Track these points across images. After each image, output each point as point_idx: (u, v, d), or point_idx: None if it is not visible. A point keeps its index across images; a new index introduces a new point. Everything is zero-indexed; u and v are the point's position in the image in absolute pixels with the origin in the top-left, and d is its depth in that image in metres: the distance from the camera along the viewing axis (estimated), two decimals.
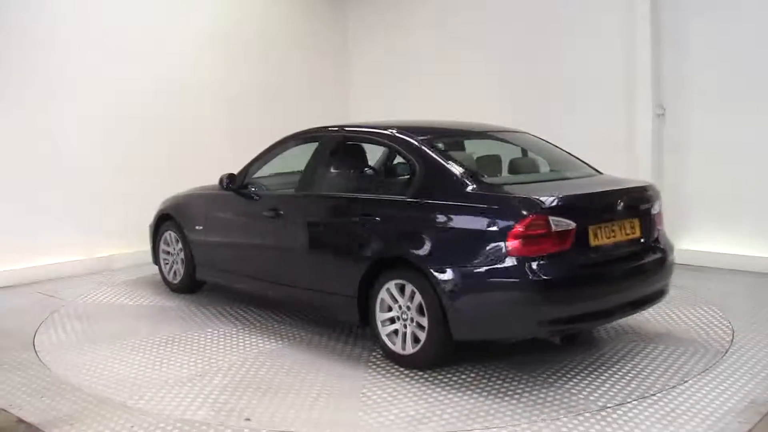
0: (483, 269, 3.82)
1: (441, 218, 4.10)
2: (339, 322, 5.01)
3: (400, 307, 4.16)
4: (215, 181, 5.75)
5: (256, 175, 5.60)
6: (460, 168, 4.23)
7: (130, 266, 7.43)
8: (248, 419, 3.53)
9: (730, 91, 6.76)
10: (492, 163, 4.77)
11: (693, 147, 7.08)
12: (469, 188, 4.06)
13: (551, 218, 3.75)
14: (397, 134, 4.65)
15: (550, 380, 3.95)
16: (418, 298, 4.04)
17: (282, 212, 5.02)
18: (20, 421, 3.54)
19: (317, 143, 5.11)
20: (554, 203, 3.85)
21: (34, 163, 6.90)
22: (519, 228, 3.72)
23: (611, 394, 3.74)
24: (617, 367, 4.14)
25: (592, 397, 3.69)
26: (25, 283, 6.65)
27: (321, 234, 4.84)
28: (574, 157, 5.02)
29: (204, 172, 8.23)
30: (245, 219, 5.46)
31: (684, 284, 6.17)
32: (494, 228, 3.81)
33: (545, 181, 4.60)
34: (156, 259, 6.50)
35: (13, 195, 6.74)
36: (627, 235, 4.16)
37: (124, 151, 7.61)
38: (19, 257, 6.78)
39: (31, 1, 6.85)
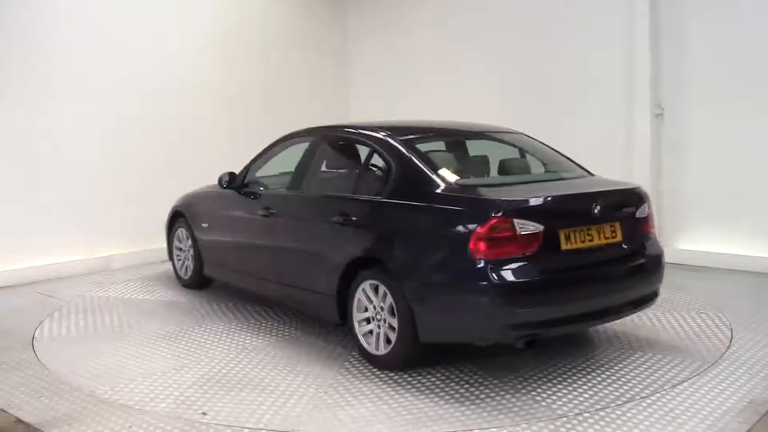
0: (448, 271, 3.80)
1: (409, 219, 4.11)
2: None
3: (374, 307, 4.17)
4: (211, 181, 5.83)
5: (257, 174, 5.66)
6: (433, 169, 4.16)
7: (129, 266, 7.45)
8: (204, 413, 3.59)
9: (729, 90, 6.75)
10: (477, 164, 4.76)
11: (692, 147, 7.08)
12: (439, 189, 4.01)
13: (516, 221, 3.66)
14: (378, 134, 4.60)
15: (546, 381, 3.95)
16: (389, 299, 4.04)
17: (273, 211, 5.10)
18: (19, 421, 3.54)
19: (308, 143, 5.20)
20: (520, 206, 3.79)
21: (34, 163, 6.90)
22: (482, 230, 3.64)
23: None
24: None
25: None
26: (24, 283, 6.65)
27: (306, 233, 4.88)
28: (567, 158, 4.94)
29: (204, 172, 8.24)
30: (244, 217, 5.51)
31: (683, 284, 6.18)
32: (459, 230, 3.75)
33: (528, 183, 4.49)
34: (170, 256, 6.70)
35: (13, 195, 6.74)
36: (606, 239, 4.02)
37: (124, 151, 7.62)
38: (19, 257, 6.78)
39: (31, 1, 6.85)
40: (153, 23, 7.87)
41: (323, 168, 5.08)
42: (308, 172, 5.05)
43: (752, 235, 6.69)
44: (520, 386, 3.86)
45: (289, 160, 5.54)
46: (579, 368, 4.13)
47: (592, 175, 4.76)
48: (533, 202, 3.92)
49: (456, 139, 5.11)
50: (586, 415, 3.47)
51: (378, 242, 4.19)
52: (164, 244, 7.01)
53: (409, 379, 4.00)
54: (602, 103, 7.65)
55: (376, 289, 4.15)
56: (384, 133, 4.58)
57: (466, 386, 3.87)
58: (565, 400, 3.67)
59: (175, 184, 8.05)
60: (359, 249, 4.26)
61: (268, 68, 9.11)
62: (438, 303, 3.87)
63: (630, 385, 3.85)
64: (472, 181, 4.34)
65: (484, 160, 4.85)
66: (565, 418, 3.43)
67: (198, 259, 6.14)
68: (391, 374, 4.07)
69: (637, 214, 4.24)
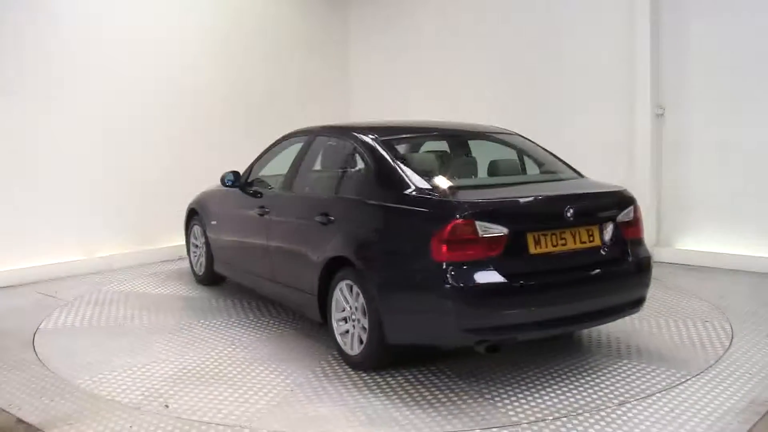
0: (411, 273, 3.78)
1: (378, 220, 4.12)
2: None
3: (350, 307, 4.18)
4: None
5: (261, 173, 5.71)
6: (406, 170, 4.12)
7: (130, 266, 7.45)
8: (167, 406, 3.68)
9: (730, 90, 6.76)
10: (460, 165, 4.73)
11: (693, 147, 7.08)
12: (408, 191, 3.97)
13: (478, 223, 3.60)
14: (360, 135, 4.58)
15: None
16: (361, 299, 4.04)
17: (267, 210, 5.17)
18: (20, 421, 3.53)
19: (301, 143, 5.27)
20: (482, 208, 3.72)
21: (34, 163, 6.89)
22: (443, 232, 3.58)
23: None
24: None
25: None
26: (25, 283, 6.65)
27: (293, 232, 4.92)
28: (559, 159, 4.84)
29: (205, 172, 8.25)
30: (244, 216, 5.56)
31: (684, 284, 6.19)
32: (422, 231, 3.71)
33: (506, 185, 4.40)
34: (188, 252, 6.88)
35: (13, 195, 6.74)
36: (583, 243, 3.91)
37: (124, 151, 7.61)
38: (19, 257, 6.78)
39: (31, 2, 6.85)
40: (153, 23, 7.87)
41: (311, 168, 5.13)
42: (299, 171, 5.11)
43: (753, 235, 6.69)
44: (485, 390, 3.81)
45: (287, 159, 5.58)
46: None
47: (582, 177, 4.64)
48: (498, 204, 3.86)
49: (444, 140, 5.10)
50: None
51: (350, 242, 4.18)
52: (165, 244, 7.03)
53: (379, 380, 3.99)
54: (603, 103, 7.65)
55: (351, 289, 4.16)
56: (366, 134, 4.56)
57: (433, 389, 3.84)
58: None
59: (175, 185, 8.08)
60: (335, 249, 4.27)
61: (268, 68, 9.11)
62: (402, 304, 3.85)
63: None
64: (444, 182, 4.15)
65: (468, 161, 4.83)
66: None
67: (209, 256, 6.29)
68: (363, 374, 4.08)
69: (619, 218, 4.10)
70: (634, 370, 4.08)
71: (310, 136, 5.20)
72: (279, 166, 5.73)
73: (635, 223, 4.22)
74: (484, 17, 8.66)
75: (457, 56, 8.95)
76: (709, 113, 6.93)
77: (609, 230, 4.05)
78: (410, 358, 4.18)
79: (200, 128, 8.34)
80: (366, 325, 4.00)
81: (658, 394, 3.69)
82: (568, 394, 3.74)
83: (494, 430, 3.36)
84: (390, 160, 4.24)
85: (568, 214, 3.83)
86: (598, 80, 7.68)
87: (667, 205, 7.34)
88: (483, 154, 4.95)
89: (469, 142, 5.12)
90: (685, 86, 7.07)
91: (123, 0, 7.61)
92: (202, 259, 6.46)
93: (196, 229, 6.58)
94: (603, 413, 3.48)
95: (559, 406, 3.60)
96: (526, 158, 4.88)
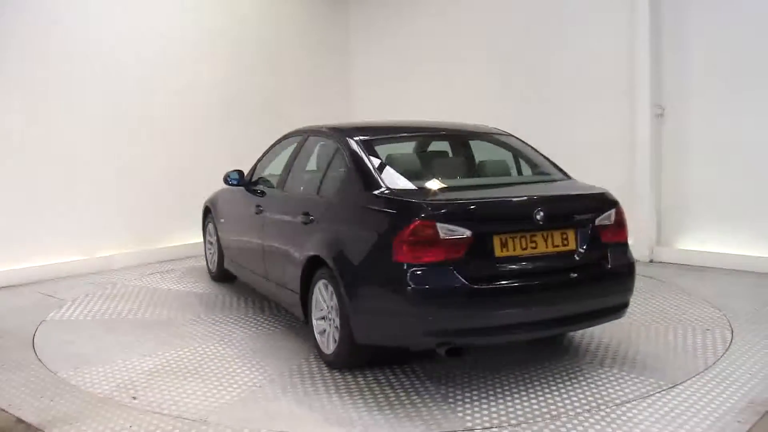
0: (375, 274, 3.76)
1: (349, 219, 4.13)
2: None
3: (327, 306, 4.18)
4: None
5: (265, 172, 5.75)
6: (379, 171, 4.11)
7: (130, 266, 7.46)
8: (134, 398, 3.79)
9: (730, 90, 6.76)
10: (442, 166, 4.70)
11: (693, 147, 7.08)
12: (378, 191, 3.96)
13: (440, 225, 3.55)
14: (342, 135, 4.58)
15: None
16: (335, 298, 4.05)
17: (262, 208, 5.25)
18: (19, 421, 3.53)
19: (295, 143, 5.32)
20: (444, 210, 3.67)
21: (34, 163, 6.90)
22: (404, 233, 3.56)
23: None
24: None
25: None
26: (25, 283, 6.66)
27: (282, 230, 4.96)
28: (548, 160, 4.76)
29: (205, 172, 8.28)
30: (246, 214, 5.64)
31: (684, 284, 6.19)
32: (386, 232, 3.70)
33: (481, 187, 4.36)
34: (204, 249, 7.04)
35: (14, 195, 6.74)
36: (556, 247, 3.82)
37: (124, 151, 7.62)
38: (19, 257, 6.78)
39: (33, 3, 6.86)
40: (153, 24, 7.88)
41: (303, 167, 5.16)
42: (290, 171, 5.16)
43: (753, 235, 6.69)
44: (450, 393, 3.78)
45: (286, 158, 5.61)
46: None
47: (569, 178, 4.55)
48: (460, 206, 3.80)
49: (430, 140, 5.08)
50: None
51: (325, 242, 4.19)
52: (165, 244, 7.04)
53: (349, 379, 4.00)
54: (603, 103, 7.65)
55: (327, 288, 4.17)
56: (347, 134, 4.55)
57: (399, 391, 3.82)
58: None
59: (175, 184, 8.10)
60: (313, 248, 4.28)
61: (268, 68, 9.12)
62: (367, 305, 3.84)
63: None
64: (415, 183, 4.09)
65: (450, 162, 4.80)
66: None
67: (220, 253, 6.40)
68: (336, 373, 4.10)
69: (598, 222, 3.97)
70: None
71: (303, 135, 5.25)
72: (280, 165, 5.78)
73: (617, 227, 4.08)
74: (484, 17, 8.66)
75: (457, 56, 8.95)
76: (709, 113, 6.93)
77: (586, 234, 3.92)
78: (390, 358, 4.18)
79: (200, 128, 8.34)
80: (339, 325, 4.01)
81: (657, 394, 3.69)
82: (547, 397, 3.74)
83: (542, 424, 3.37)
84: (365, 160, 4.22)
85: (538, 217, 3.75)
86: (598, 80, 7.68)
87: (667, 205, 7.34)
88: (469, 154, 4.93)
89: (456, 142, 5.09)
90: (685, 86, 7.07)
91: (123, 1, 7.61)
92: (215, 257, 6.59)
93: (210, 227, 6.74)
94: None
95: (528, 410, 3.57)
96: (513, 159, 4.82)
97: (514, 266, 3.73)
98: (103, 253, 7.44)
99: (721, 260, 6.83)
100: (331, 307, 4.10)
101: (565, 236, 3.85)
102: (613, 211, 4.06)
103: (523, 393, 3.79)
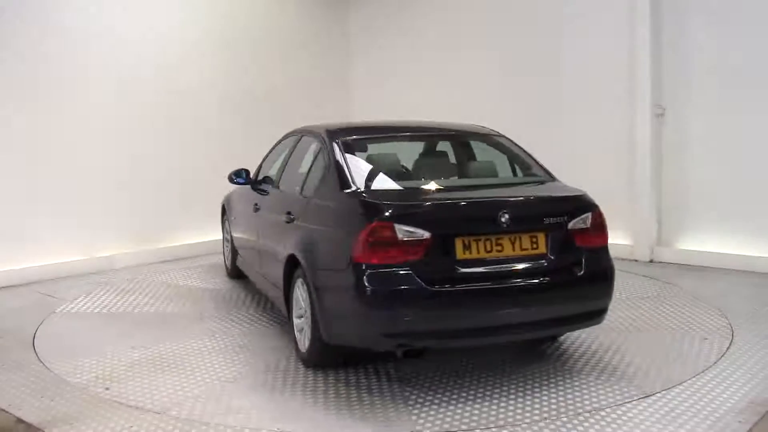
0: (336, 274, 3.75)
1: (321, 219, 4.14)
2: None
3: (304, 305, 4.19)
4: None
5: (271, 171, 5.78)
6: (353, 171, 4.09)
7: (130, 266, 7.45)
8: (107, 388, 3.92)
9: (730, 91, 6.76)
10: (422, 167, 4.67)
11: (693, 147, 7.08)
12: (348, 191, 3.94)
13: (398, 226, 3.51)
14: (324, 134, 4.56)
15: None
16: (308, 297, 4.08)
17: (258, 207, 5.34)
18: (20, 421, 3.53)
19: (291, 143, 5.37)
20: (403, 211, 3.63)
21: (34, 163, 6.90)
22: (363, 234, 3.54)
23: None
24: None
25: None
26: (25, 283, 6.66)
27: (271, 229, 5.00)
28: (534, 161, 4.64)
29: (205, 172, 8.28)
30: (247, 212, 5.72)
31: (684, 284, 6.19)
32: (347, 233, 3.68)
33: (455, 188, 4.32)
34: (223, 246, 7.15)
35: (14, 195, 6.74)
36: (524, 250, 3.74)
37: (125, 151, 7.62)
38: (19, 257, 6.78)
39: (35, 5, 6.85)
40: (154, 24, 7.88)
41: (295, 166, 5.18)
42: (284, 170, 5.22)
43: (753, 235, 6.69)
44: (413, 396, 3.75)
45: (283, 158, 5.65)
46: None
47: (553, 180, 4.43)
48: (420, 207, 3.77)
49: (414, 141, 5.06)
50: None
51: (300, 241, 4.22)
52: (166, 244, 7.04)
53: (319, 377, 4.03)
54: (603, 103, 7.66)
55: (303, 287, 4.18)
56: (330, 134, 4.54)
57: (363, 391, 3.81)
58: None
59: (176, 184, 8.09)
60: (291, 247, 4.31)
61: (268, 68, 9.12)
62: (330, 305, 3.84)
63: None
64: (384, 184, 4.09)
65: (432, 163, 4.78)
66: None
67: (234, 250, 6.48)
68: (309, 372, 4.13)
69: (573, 225, 3.86)
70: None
71: (298, 135, 5.28)
72: (279, 164, 5.80)
73: (594, 231, 3.95)
74: (484, 17, 8.66)
75: (457, 56, 8.95)
76: (709, 113, 6.93)
77: (559, 238, 3.82)
78: (369, 358, 4.20)
79: (200, 128, 8.34)
80: (311, 323, 4.03)
81: (658, 394, 3.69)
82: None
83: (542, 424, 3.37)
84: (340, 160, 4.20)
85: (503, 220, 3.67)
86: (599, 80, 7.68)
87: (667, 205, 7.34)
88: (454, 155, 4.91)
89: (443, 143, 5.07)
90: (685, 86, 7.07)
91: (124, 1, 7.61)
92: (230, 254, 6.72)
93: (226, 225, 6.86)
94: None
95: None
96: (498, 161, 4.77)
97: (476, 269, 3.66)
98: (103, 253, 7.44)
99: (721, 260, 6.83)
100: (308, 304, 4.11)
101: (534, 239, 3.77)
102: (589, 215, 3.95)
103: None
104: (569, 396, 3.73)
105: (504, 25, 8.48)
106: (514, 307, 3.71)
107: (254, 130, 8.54)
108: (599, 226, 4.00)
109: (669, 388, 3.77)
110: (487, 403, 3.63)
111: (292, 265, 4.32)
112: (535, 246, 3.76)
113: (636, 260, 7.37)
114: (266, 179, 5.66)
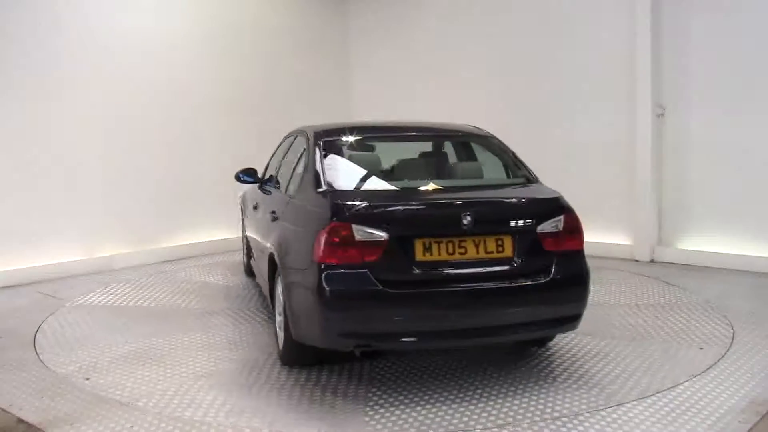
0: (300, 273, 3.77)
1: (294, 218, 4.17)
2: None
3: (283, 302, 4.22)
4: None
5: (272, 171, 5.81)
6: (327, 171, 4.10)
7: (130, 266, 7.46)
8: (87, 379, 4.06)
9: (731, 90, 6.76)
10: (401, 167, 4.68)
11: (693, 147, 7.08)
12: (320, 190, 3.96)
13: (355, 227, 3.51)
14: (310, 134, 4.58)
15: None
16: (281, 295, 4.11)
17: (257, 205, 5.44)
18: (20, 420, 3.53)
19: (289, 143, 5.41)
20: (361, 212, 3.61)
21: (34, 163, 6.91)
22: (322, 234, 3.55)
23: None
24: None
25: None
26: (25, 283, 6.67)
27: (263, 227, 5.04)
28: (519, 163, 4.54)
29: (204, 172, 8.28)
30: (252, 211, 5.80)
31: (684, 284, 6.19)
32: (311, 232, 3.69)
33: (423, 190, 4.19)
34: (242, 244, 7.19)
35: (14, 195, 6.75)
36: (489, 253, 3.67)
37: (124, 151, 7.63)
38: (19, 257, 6.79)
39: (33, 3, 6.86)
40: (153, 24, 7.89)
41: (285, 166, 5.22)
42: (279, 170, 5.27)
43: (754, 235, 6.70)
44: (375, 397, 3.74)
45: (281, 158, 5.67)
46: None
47: (534, 183, 4.33)
48: (379, 209, 3.72)
49: (397, 141, 5.05)
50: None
51: (277, 239, 4.27)
52: (166, 244, 7.02)
53: (292, 375, 4.07)
54: (603, 103, 7.66)
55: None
56: (316, 134, 4.55)
57: (327, 391, 3.82)
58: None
59: (175, 184, 8.09)
60: (271, 245, 4.37)
61: (268, 68, 9.13)
62: (295, 304, 3.86)
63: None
64: (353, 184, 4.10)
65: (411, 164, 4.77)
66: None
67: (248, 248, 6.53)
68: (284, 369, 4.17)
69: (542, 229, 3.77)
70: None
71: (294, 135, 5.31)
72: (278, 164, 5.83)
73: (567, 235, 3.84)
74: (483, 17, 8.67)
75: (457, 55, 8.96)
76: (709, 113, 6.93)
77: (527, 241, 3.74)
78: (347, 358, 4.21)
79: (201, 128, 8.35)
80: (284, 321, 4.09)
81: (658, 394, 3.68)
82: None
83: (542, 424, 3.36)
84: (317, 160, 4.20)
85: (465, 222, 3.61)
86: (599, 80, 7.69)
87: (667, 205, 7.34)
88: (436, 156, 4.88)
89: (427, 143, 5.05)
90: (685, 86, 7.08)
91: (125, 2, 7.62)
92: (246, 252, 6.81)
93: (243, 222, 6.91)
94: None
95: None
96: (481, 162, 4.75)
97: (437, 271, 3.63)
98: (103, 253, 7.44)
99: (721, 260, 6.83)
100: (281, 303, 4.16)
101: (500, 242, 3.70)
102: (561, 218, 3.84)
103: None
104: (532, 402, 3.65)
105: (504, 25, 8.48)
106: (477, 310, 3.66)
107: (254, 130, 8.55)
108: (573, 230, 3.88)
109: (669, 388, 3.76)
110: (455, 406, 3.59)
111: (273, 262, 4.37)
112: (500, 249, 3.70)
113: (636, 260, 7.37)
114: (270, 178, 5.68)
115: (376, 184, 4.18)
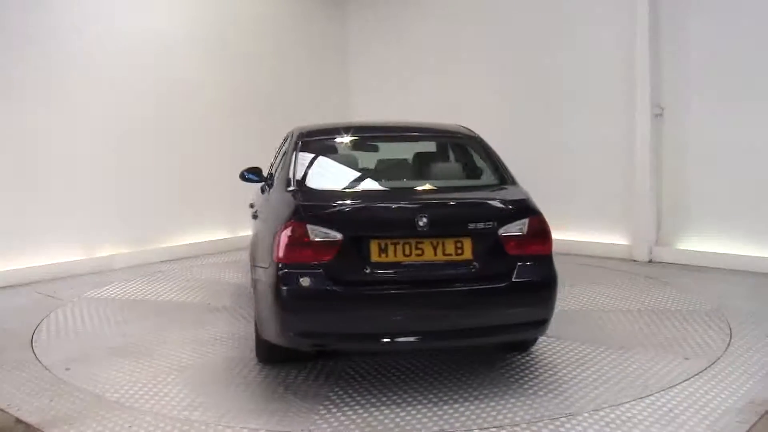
0: (264, 271, 3.80)
1: (265, 216, 4.22)
2: None
3: None
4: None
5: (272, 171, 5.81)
6: (297, 169, 4.14)
7: (130, 266, 7.46)
8: (68, 369, 4.22)
9: (729, 90, 6.77)
10: (388, 167, 4.68)
11: (692, 147, 7.09)
12: (289, 189, 4.02)
13: (310, 227, 3.53)
14: (296, 134, 4.62)
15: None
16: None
17: (252, 205, 5.48)
18: (19, 421, 3.53)
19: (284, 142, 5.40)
20: (316, 212, 3.67)
21: (34, 163, 6.91)
22: (280, 233, 3.58)
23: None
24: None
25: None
26: (25, 283, 6.66)
27: (252, 227, 5.11)
28: (499, 165, 4.42)
29: (204, 172, 8.28)
30: (251, 210, 5.79)
31: (684, 284, 6.19)
32: (273, 231, 3.73)
33: (388, 191, 4.24)
34: None
35: (13, 195, 6.75)
36: (447, 255, 3.61)
37: (124, 151, 7.63)
38: (19, 257, 6.79)
39: (33, 3, 6.85)
40: (153, 24, 7.90)
41: (277, 166, 5.21)
42: (273, 169, 5.27)
43: (752, 236, 6.70)
44: (339, 397, 3.74)
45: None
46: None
47: (512, 185, 4.21)
48: (334, 209, 3.78)
49: (380, 141, 5.03)
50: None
51: (253, 237, 4.33)
52: (166, 244, 7.03)
53: (267, 372, 4.10)
54: (603, 103, 7.66)
55: None
56: (300, 134, 4.59)
57: (298, 390, 3.83)
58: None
59: (175, 184, 8.09)
60: (250, 243, 4.43)
61: (268, 68, 9.14)
62: (258, 301, 3.91)
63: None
64: (325, 184, 4.15)
65: (386, 165, 4.77)
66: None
67: None
68: (259, 366, 4.21)
69: (505, 232, 3.68)
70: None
71: (288, 134, 5.28)
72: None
73: (532, 238, 3.75)
74: (483, 18, 8.67)
75: (456, 56, 8.96)
76: (708, 113, 6.94)
77: (488, 244, 3.66)
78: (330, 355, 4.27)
79: (200, 128, 8.35)
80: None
81: (657, 394, 3.68)
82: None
83: (540, 424, 3.35)
84: (293, 160, 4.25)
85: (421, 224, 3.57)
86: (597, 80, 7.69)
87: (667, 205, 7.34)
88: (415, 157, 4.83)
89: (409, 144, 5.01)
90: (684, 86, 7.08)
91: (124, 2, 7.62)
92: None
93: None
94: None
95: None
96: (462, 163, 4.75)
97: (392, 273, 3.61)
98: (103, 253, 7.44)
99: (720, 260, 6.83)
100: None
101: (459, 245, 3.64)
102: (526, 221, 3.74)
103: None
104: (479, 408, 3.58)
105: (503, 24, 8.48)
106: (432, 313, 3.63)
107: (254, 130, 8.56)
108: (538, 234, 3.78)
109: (668, 388, 3.76)
110: (409, 408, 3.56)
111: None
112: (460, 252, 3.64)
113: (635, 260, 7.38)
114: (269, 177, 5.70)
115: (343, 184, 4.23)
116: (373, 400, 3.68)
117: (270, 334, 3.79)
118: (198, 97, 8.32)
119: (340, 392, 3.80)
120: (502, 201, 4.02)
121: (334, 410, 3.56)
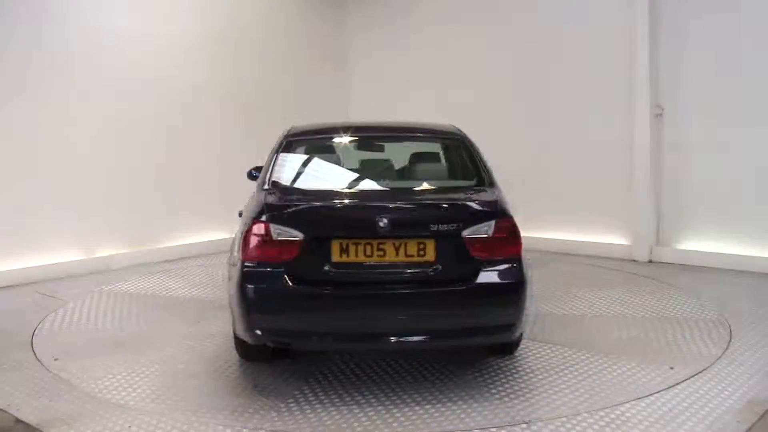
0: (233, 269, 3.85)
1: (245, 214, 4.20)
2: None
3: None
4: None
5: None
6: (276, 168, 4.23)
7: (130, 266, 7.46)
8: (56, 359, 4.37)
9: (729, 90, 6.77)
10: (368, 167, 4.69)
11: (692, 147, 7.09)
12: (264, 188, 4.10)
13: (273, 226, 3.59)
14: (286, 133, 4.65)
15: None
16: None
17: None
18: (18, 421, 3.54)
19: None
20: (278, 211, 3.74)
21: (34, 163, 6.90)
22: (246, 232, 3.67)
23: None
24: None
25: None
26: (25, 283, 6.66)
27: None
28: (479, 167, 4.37)
29: (203, 172, 8.27)
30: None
31: (683, 284, 6.19)
32: (242, 230, 3.78)
33: (362, 192, 4.28)
34: None
35: (13, 195, 6.74)
36: (409, 257, 3.61)
37: (124, 151, 7.63)
38: (19, 257, 6.79)
39: (33, 2, 6.86)
40: (153, 24, 7.89)
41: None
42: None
43: (752, 236, 6.70)
44: (316, 397, 3.75)
45: None
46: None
47: (485, 187, 4.18)
48: (297, 209, 3.85)
49: (367, 141, 5.02)
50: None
51: (234, 236, 4.32)
52: (165, 244, 7.01)
53: (247, 369, 4.15)
54: (602, 104, 7.67)
55: None
56: (287, 133, 4.62)
57: (268, 390, 3.85)
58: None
59: (175, 184, 8.09)
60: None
61: (267, 68, 9.13)
62: (229, 297, 3.93)
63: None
64: (296, 183, 4.24)
65: (365, 165, 4.77)
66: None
67: None
68: (241, 362, 4.26)
69: (468, 234, 3.63)
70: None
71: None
72: None
73: (498, 241, 3.67)
74: (483, 18, 8.67)
75: (456, 56, 8.96)
76: (708, 113, 6.94)
77: (452, 246, 3.63)
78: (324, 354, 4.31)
79: (199, 129, 8.35)
80: None
81: (656, 394, 3.69)
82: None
83: (540, 423, 3.34)
84: (273, 159, 4.35)
85: (381, 225, 3.57)
86: (598, 80, 7.69)
87: (666, 205, 7.34)
88: (399, 157, 4.83)
89: (390, 144, 4.99)
90: (684, 86, 7.08)
91: (124, 3, 7.62)
92: None
93: None
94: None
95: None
96: (444, 164, 4.77)
97: (352, 273, 3.63)
98: (103, 253, 7.44)
99: (720, 260, 6.83)
100: None
101: (422, 246, 3.62)
102: (492, 224, 3.67)
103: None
104: (447, 412, 3.54)
105: (503, 25, 8.48)
106: (392, 314, 3.63)
107: (253, 130, 8.55)
108: (505, 236, 3.70)
109: (667, 388, 3.77)
110: (380, 409, 3.57)
111: None
112: (422, 253, 3.63)
113: (635, 260, 7.38)
114: None
115: (316, 185, 4.31)
116: (336, 400, 3.70)
117: (239, 330, 3.82)
118: (198, 97, 8.32)
119: (307, 391, 3.83)
120: (470, 203, 3.98)
121: (296, 409, 3.60)
